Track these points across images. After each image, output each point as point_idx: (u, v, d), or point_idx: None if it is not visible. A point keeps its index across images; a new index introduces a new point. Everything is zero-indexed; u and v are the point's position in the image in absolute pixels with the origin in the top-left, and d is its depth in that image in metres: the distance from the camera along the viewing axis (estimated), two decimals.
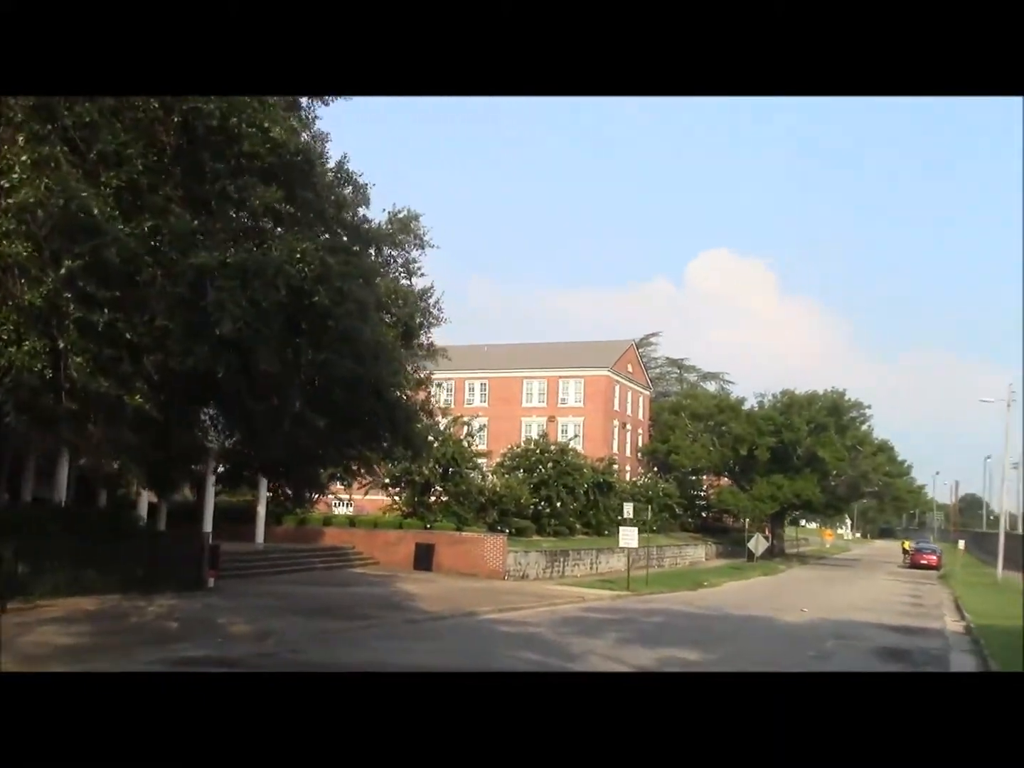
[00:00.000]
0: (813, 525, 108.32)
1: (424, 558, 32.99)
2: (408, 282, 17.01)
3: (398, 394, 15.31)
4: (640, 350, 79.47)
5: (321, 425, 12.96)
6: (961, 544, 55.64)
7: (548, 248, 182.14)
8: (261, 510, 33.49)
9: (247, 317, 10.34)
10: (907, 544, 68.81)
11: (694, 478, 69.30)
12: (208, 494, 30.38)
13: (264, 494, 33.50)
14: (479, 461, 38.91)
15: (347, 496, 40.05)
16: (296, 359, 11.86)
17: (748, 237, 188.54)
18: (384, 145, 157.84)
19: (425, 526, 34.64)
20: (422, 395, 18.81)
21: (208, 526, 29.76)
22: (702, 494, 69.41)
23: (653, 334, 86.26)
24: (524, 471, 43.99)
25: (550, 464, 43.76)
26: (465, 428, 38.07)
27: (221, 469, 24.49)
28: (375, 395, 13.91)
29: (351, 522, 37.00)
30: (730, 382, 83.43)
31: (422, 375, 19.10)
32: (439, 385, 67.99)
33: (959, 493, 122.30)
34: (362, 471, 21.19)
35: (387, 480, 36.02)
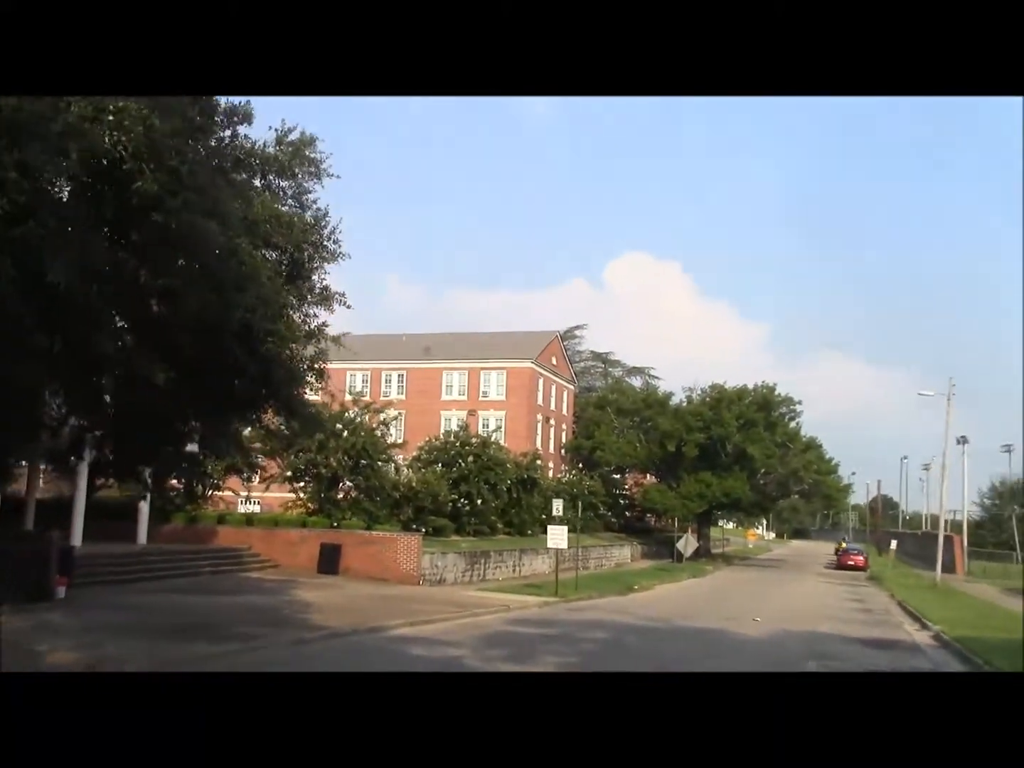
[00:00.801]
0: (730, 525, 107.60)
1: (329, 560, 29.47)
2: (297, 210, 13.56)
3: (277, 346, 11.77)
4: (564, 343, 76.82)
5: (160, 380, 9.45)
6: (893, 544, 54.37)
7: (466, 249, 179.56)
8: (144, 506, 29.59)
9: (17, 193, 6.84)
10: (843, 545, 67.69)
11: (618, 476, 66.98)
12: (79, 487, 26.46)
13: (148, 488, 29.69)
14: (393, 453, 35.40)
15: (246, 492, 36.13)
16: (117, 275, 8.38)
17: (664, 240, 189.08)
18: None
19: (332, 524, 31.09)
20: (312, 351, 14.79)
21: (77, 526, 25.89)
22: (627, 492, 66.98)
23: (578, 327, 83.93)
24: (443, 465, 40.75)
25: (471, 458, 40.59)
26: (379, 417, 34.51)
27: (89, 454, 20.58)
28: (242, 342, 10.49)
29: (248, 520, 33.16)
30: (656, 377, 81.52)
31: (313, 326, 15.22)
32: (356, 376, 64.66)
33: (872, 494, 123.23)
34: (232, 451, 17.33)
35: (289, 473, 32.36)
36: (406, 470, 38.09)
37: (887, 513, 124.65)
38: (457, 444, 41.45)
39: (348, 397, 35.31)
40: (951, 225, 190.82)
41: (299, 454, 31.69)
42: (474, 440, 41.91)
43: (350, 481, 32.87)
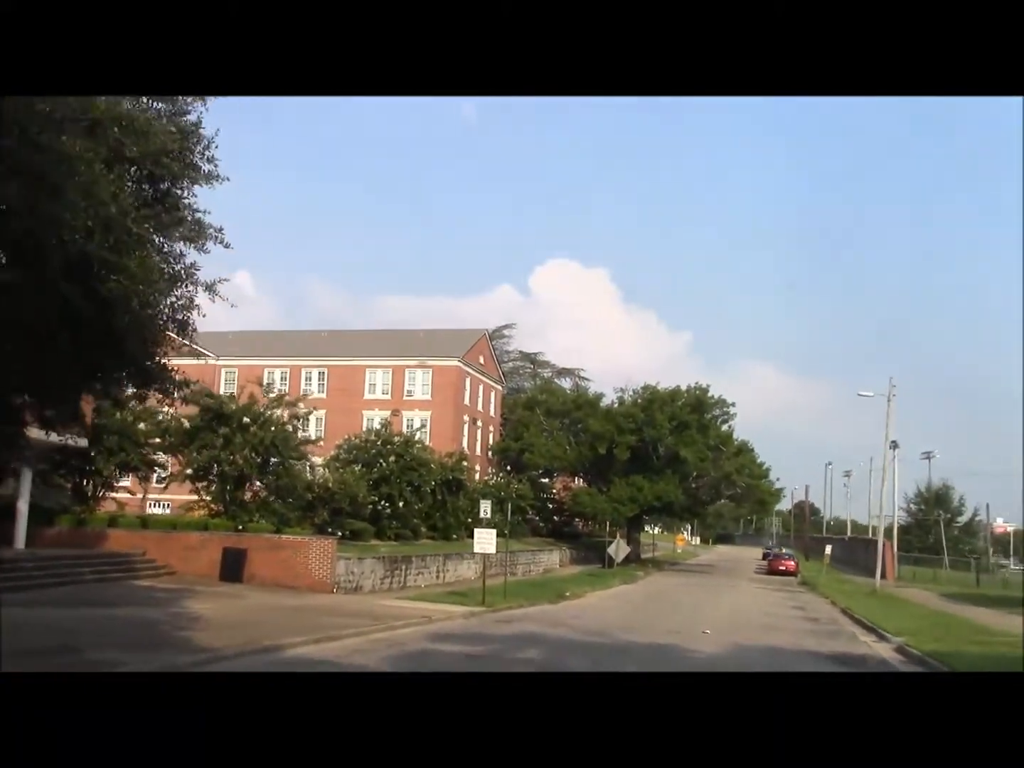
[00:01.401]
0: (656, 530, 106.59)
1: (233, 567, 26.66)
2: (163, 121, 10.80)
3: (124, 287, 8.90)
4: (493, 343, 74.63)
5: None
6: (828, 550, 53.33)
7: (392, 254, 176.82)
8: (23, 506, 26.40)
9: None
10: (780, 550, 66.64)
11: (546, 480, 65.00)
12: None
13: (28, 486, 26.55)
14: (307, 451, 32.63)
15: (143, 492, 33.01)
16: None
17: (592, 248, 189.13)
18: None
19: (237, 527, 28.22)
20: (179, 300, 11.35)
21: None
22: (555, 496, 64.97)
23: (506, 326, 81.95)
24: (363, 465, 38.09)
25: (392, 458, 38.03)
26: (292, 411, 31.69)
27: None
28: (76, 279, 7.82)
29: (143, 523, 30.05)
30: (586, 379, 79.87)
31: (178, 267, 11.56)
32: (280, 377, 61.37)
33: (795, 500, 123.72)
34: (76, 429, 14.33)
35: (190, 471, 29.42)
36: (322, 470, 35.35)
37: (809, 519, 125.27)
38: (378, 443, 38.86)
39: (267, 394, 32.44)
40: (868, 234, 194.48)
41: (202, 450, 28.80)
42: (396, 439, 39.35)
43: (259, 481, 30.07)
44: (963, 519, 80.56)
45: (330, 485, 32.43)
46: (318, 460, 37.47)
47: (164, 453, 32.19)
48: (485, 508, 27.23)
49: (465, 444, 62.42)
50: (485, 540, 25.79)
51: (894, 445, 62.98)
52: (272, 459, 29.64)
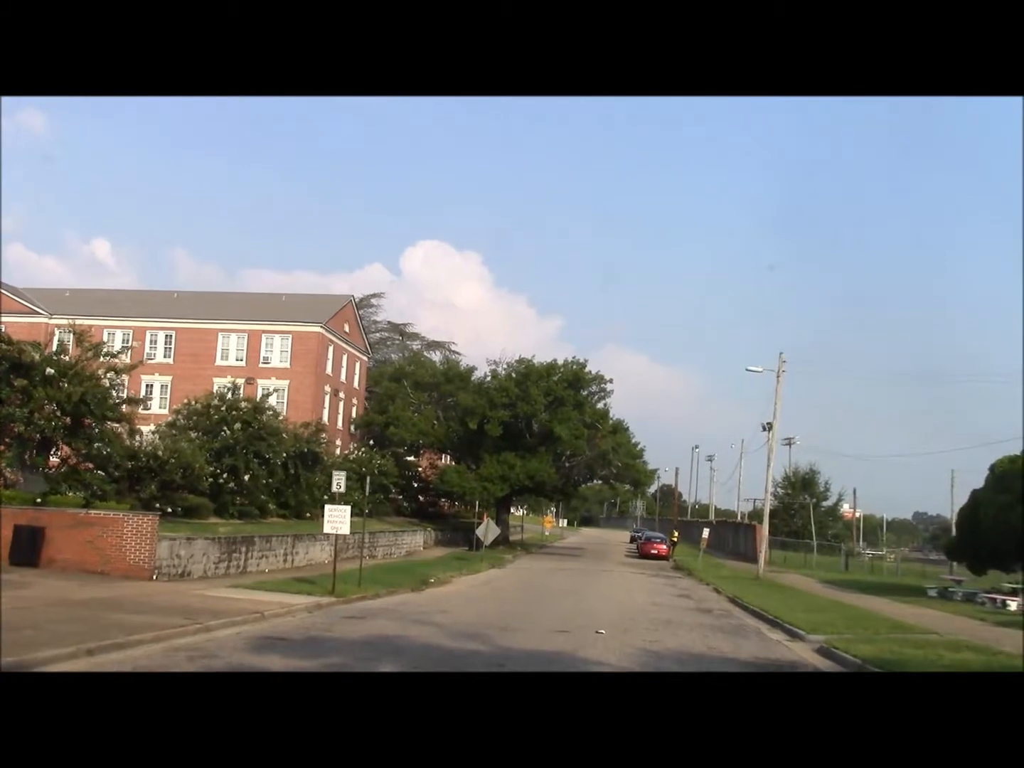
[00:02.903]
0: (523, 511, 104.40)
1: (27, 548, 21.96)
2: None
3: None
4: (360, 311, 70.14)
5: None
6: (705, 533, 51.49)
7: (259, 229, 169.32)
8: None
9: None
10: (675, 535, 64.45)
11: (413, 459, 61.26)
12: None
13: None
14: (132, 413, 27.81)
15: None
16: None
17: (463, 231, 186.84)
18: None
19: (35, 500, 23.41)
20: None
21: None
22: (422, 474, 61.29)
23: (375, 295, 77.44)
24: (203, 433, 33.52)
25: (238, 425, 33.55)
26: (111, 361, 26.81)
27: None
28: None
29: None
30: (457, 353, 76.19)
31: None
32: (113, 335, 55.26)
33: (660, 484, 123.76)
34: None
35: None
36: (152, 436, 30.66)
37: (671, 503, 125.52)
38: (222, 408, 34.27)
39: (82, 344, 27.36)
40: (726, 218, 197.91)
41: None
42: (244, 404, 34.80)
43: (68, 445, 25.26)
44: (827, 504, 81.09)
45: (160, 453, 27.83)
46: (150, 430, 32.78)
47: None
48: (339, 481, 23.29)
49: (326, 416, 58.00)
50: (338, 518, 21.94)
51: (767, 427, 62.02)
52: (85, 420, 24.85)
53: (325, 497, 38.15)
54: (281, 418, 38.26)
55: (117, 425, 26.36)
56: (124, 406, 26.60)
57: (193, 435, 32.11)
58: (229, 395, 35.40)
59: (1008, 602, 28.34)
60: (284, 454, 35.17)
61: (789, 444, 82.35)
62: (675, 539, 63.34)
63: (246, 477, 33.32)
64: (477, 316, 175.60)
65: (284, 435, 35.72)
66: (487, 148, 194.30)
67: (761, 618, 22.79)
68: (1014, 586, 30.67)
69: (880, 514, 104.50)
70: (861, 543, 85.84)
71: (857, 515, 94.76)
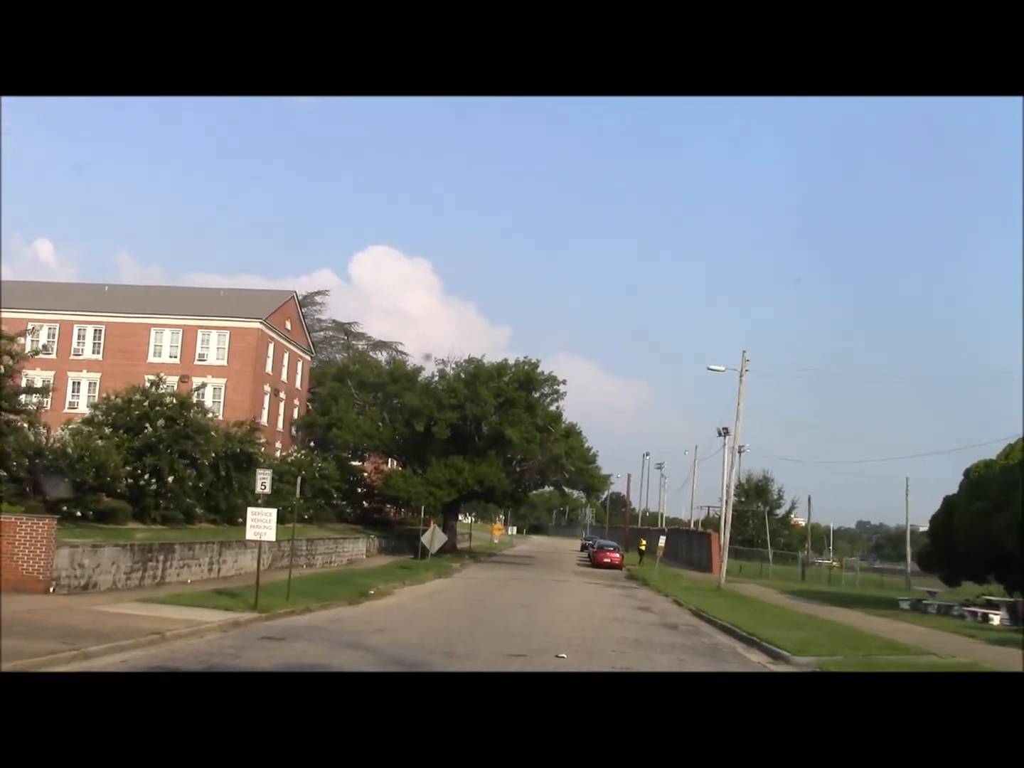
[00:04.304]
0: (471, 519, 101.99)
1: None
2: None
3: None
4: (303, 309, 67.25)
5: None
6: (662, 541, 49.57)
7: (206, 233, 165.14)
8: None
9: None
10: (644, 544, 62.15)
11: (358, 463, 58.62)
12: None
13: None
14: (32, 404, 24.98)
15: None
16: None
17: (413, 238, 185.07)
18: None
19: None
20: None
21: None
22: (366, 479, 58.64)
23: (319, 292, 74.49)
24: (124, 430, 30.64)
25: (162, 422, 30.72)
26: (9, 346, 23.90)
27: None
28: None
29: None
30: (404, 353, 73.52)
31: None
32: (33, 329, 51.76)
33: (609, 492, 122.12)
34: None
35: None
36: (63, 433, 27.79)
37: (619, 511, 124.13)
38: (145, 403, 31.42)
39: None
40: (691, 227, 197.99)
41: None
42: (169, 400, 31.97)
43: None
44: (780, 512, 79.99)
45: (69, 450, 25.02)
46: (74, 427, 29.84)
47: None
48: (263, 481, 20.72)
49: (265, 417, 55.16)
50: (262, 523, 19.40)
51: (724, 432, 60.48)
52: None
53: (260, 502, 35.67)
54: (211, 416, 35.44)
55: (15, 417, 23.50)
56: (23, 396, 23.71)
57: (108, 431, 29.22)
58: (153, 389, 32.52)
59: (990, 616, 26.70)
60: (213, 454, 32.39)
61: (740, 452, 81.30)
62: (643, 547, 61.03)
63: (170, 479, 30.50)
64: (427, 323, 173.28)
65: (214, 433, 32.92)
66: (437, 153, 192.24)
67: (734, 635, 20.67)
68: (995, 599, 29.07)
69: (826, 523, 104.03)
70: (808, 552, 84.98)
71: (803, 524, 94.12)
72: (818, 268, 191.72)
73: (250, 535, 19.76)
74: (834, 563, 72.40)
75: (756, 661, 16.89)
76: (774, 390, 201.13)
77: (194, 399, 33.58)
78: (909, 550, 70.56)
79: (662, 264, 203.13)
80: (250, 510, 20.10)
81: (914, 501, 62.61)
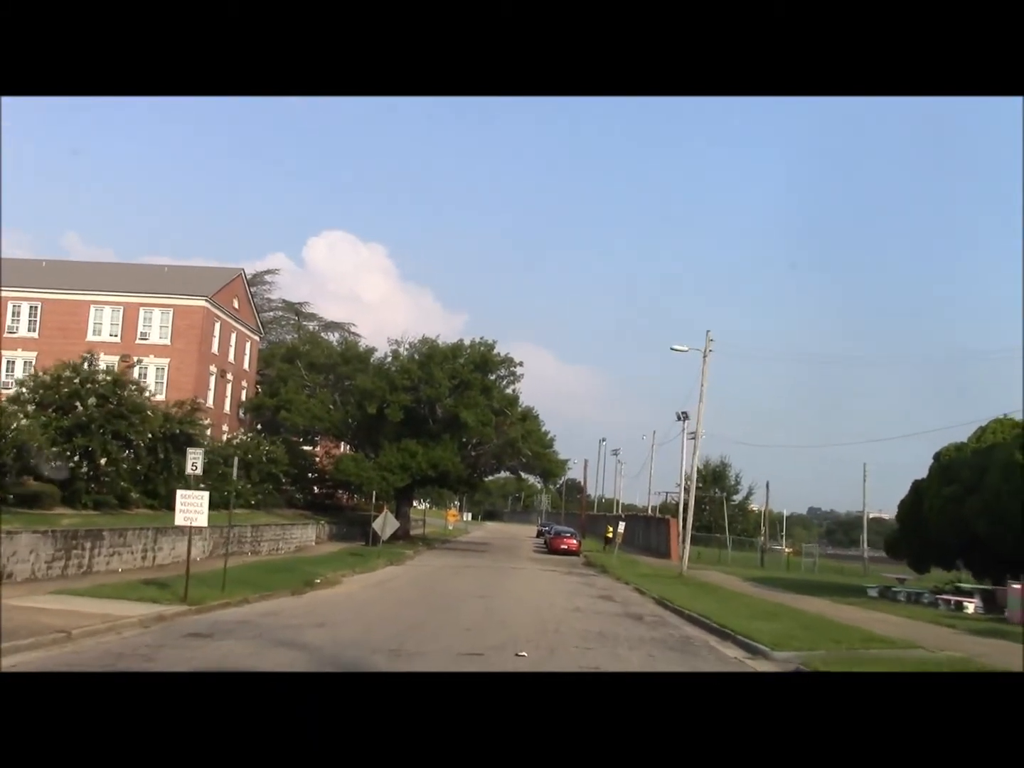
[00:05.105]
0: (426, 505, 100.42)
1: None
2: None
3: None
4: (252, 288, 65.01)
5: None
6: (621, 527, 48.46)
7: (157, 216, 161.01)
8: None
9: None
10: (611, 531, 60.18)
11: (309, 448, 56.77)
12: None
13: None
14: None
15: None
16: None
17: (369, 223, 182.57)
18: None
19: None
20: None
21: None
22: (317, 463, 56.80)
23: (268, 271, 72.21)
24: (54, 409, 28.68)
25: (93, 400, 28.82)
26: None
27: None
28: None
29: None
30: (356, 335, 71.62)
31: None
32: None
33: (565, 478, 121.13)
34: None
35: None
36: None
37: (574, 497, 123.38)
38: (76, 381, 29.45)
39: None
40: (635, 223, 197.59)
41: None
42: (102, 377, 30.01)
43: None
44: (738, 498, 79.54)
45: None
46: None
47: None
48: (194, 461, 18.92)
49: (211, 399, 53.10)
50: (192, 507, 17.67)
51: (683, 416, 59.52)
52: None
53: (202, 486, 33.79)
54: (149, 395, 33.47)
55: None
56: None
57: (32, 409, 27.26)
58: (85, 366, 30.52)
59: (965, 604, 25.79)
60: (150, 435, 30.48)
61: (695, 438, 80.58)
62: (610, 535, 58.67)
63: (103, 461, 28.64)
64: (382, 309, 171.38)
65: (150, 413, 30.99)
66: (392, 139, 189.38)
67: (704, 627, 19.41)
68: (966, 586, 28.20)
69: (779, 509, 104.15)
70: (763, 538, 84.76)
71: (758, 510, 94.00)
72: (806, 257, 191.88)
73: (179, 520, 18.01)
74: (788, 549, 72.14)
75: (733, 657, 15.57)
76: (728, 377, 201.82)
77: (134, 375, 31.60)
78: (865, 536, 70.57)
79: (622, 253, 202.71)
80: (179, 493, 18.31)
81: (866, 487, 62.28)
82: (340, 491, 59.73)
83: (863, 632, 18.02)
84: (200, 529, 30.29)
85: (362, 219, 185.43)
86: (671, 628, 19.56)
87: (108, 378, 30.01)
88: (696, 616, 20.67)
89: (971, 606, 25.59)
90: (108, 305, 53.30)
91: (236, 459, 23.59)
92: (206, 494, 18.28)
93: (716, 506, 72.14)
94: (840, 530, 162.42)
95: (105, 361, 47.92)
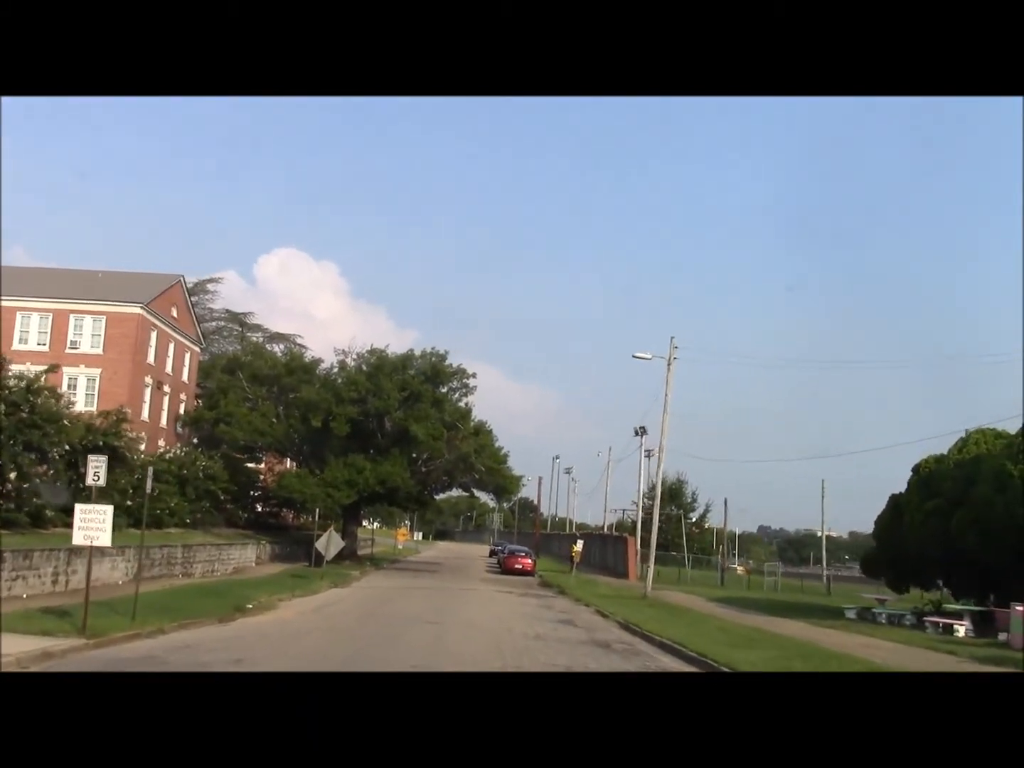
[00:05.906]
0: (375, 524, 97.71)
1: None
2: None
3: None
4: (193, 297, 62.13)
5: None
6: (579, 545, 46.41)
7: (103, 226, 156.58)
8: None
9: None
10: (575, 550, 56.95)
11: (252, 465, 54.08)
12: None
13: None
14: None
15: None
16: None
17: (320, 241, 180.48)
18: None
19: None
20: None
21: None
22: (259, 480, 54.06)
23: (211, 279, 69.28)
24: None
25: (3, 408, 26.10)
26: None
27: None
28: None
29: None
30: (303, 346, 68.96)
31: None
32: None
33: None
34: None
35: None
36: None
37: (527, 515, 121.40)
38: None
39: None
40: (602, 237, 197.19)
41: None
42: (13, 383, 27.31)
43: None
44: (694, 515, 78.02)
45: None
46: None
47: None
48: (96, 471, 16.33)
49: (146, 412, 50.15)
50: (93, 524, 15.17)
51: (641, 431, 57.79)
52: None
53: (130, 504, 31.22)
54: (68, 403, 30.83)
55: None
56: None
57: None
58: None
59: (955, 627, 24.07)
60: (67, 447, 27.83)
61: (648, 456, 79.05)
62: (575, 554, 55.06)
63: (13, 475, 25.95)
64: (334, 327, 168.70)
65: (68, 423, 28.32)
66: (342, 152, 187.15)
67: (680, 655, 17.38)
68: (954, 607, 26.50)
69: (731, 528, 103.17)
70: (719, 556, 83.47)
71: (712, 527, 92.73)
72: (797, 264, 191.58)
73: (78, 539, 15.47)
74: (739, 568, 70.72)
75: None
76: (684, 393, 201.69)
77: (59, 383, 28.91)
78: (825, 554, 69.55)
79: (572, 266, 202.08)
80: (78, 507, 15.75)
81: (816, 505, 61.06)
82: (284, 509, 57.04)
83: (858, 661, 16.12)
84: (122, 549, 27.81)
85: (314, 237, 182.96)
86: (644, 657, 17.49)
87: (19, 385, 27.29)
88: (669, 643, 18.61)
89: (962, 629, 23.90)
90: (36, 312, 50.25)
91: (150, 470, 21.00)
92: (109, 508, 15.79)
93: (673, 524, 70.43)
94: (791, 548, 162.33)
95: (33, 371, 45.16)
